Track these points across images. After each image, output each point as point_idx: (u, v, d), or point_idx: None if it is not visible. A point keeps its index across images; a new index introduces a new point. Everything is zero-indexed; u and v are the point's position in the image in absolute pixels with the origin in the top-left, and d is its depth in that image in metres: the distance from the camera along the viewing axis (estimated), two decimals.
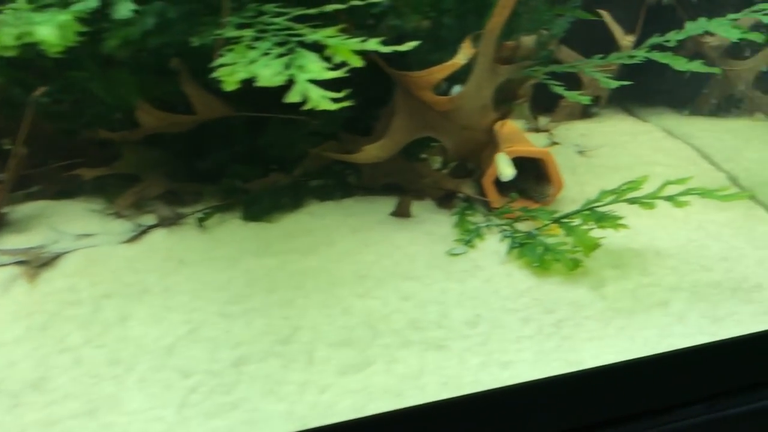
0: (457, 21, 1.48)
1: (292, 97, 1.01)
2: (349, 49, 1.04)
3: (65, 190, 1.60)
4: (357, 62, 1.03)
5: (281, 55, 1.06)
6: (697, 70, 1.54)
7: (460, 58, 1.32)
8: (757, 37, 1.54)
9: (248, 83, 1.08)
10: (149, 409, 1.06)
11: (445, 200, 1.65)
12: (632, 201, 1.41)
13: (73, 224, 1.51)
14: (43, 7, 1.11)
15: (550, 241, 1.44)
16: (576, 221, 1.43)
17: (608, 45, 2.24)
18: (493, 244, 1.50)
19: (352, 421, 1.09)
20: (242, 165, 1.54)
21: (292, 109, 1.40)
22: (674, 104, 2.59)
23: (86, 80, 1.38)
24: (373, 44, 1.05)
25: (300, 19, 1.22)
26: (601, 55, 1.75)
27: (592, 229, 1.41)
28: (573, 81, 1.72)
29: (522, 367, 1.20)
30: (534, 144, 1.81)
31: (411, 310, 1.29)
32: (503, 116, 1.64)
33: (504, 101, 1.69)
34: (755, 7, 1.65)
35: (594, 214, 1.40)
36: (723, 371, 1.28)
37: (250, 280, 1.34)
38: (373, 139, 1.47)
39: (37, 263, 1.33)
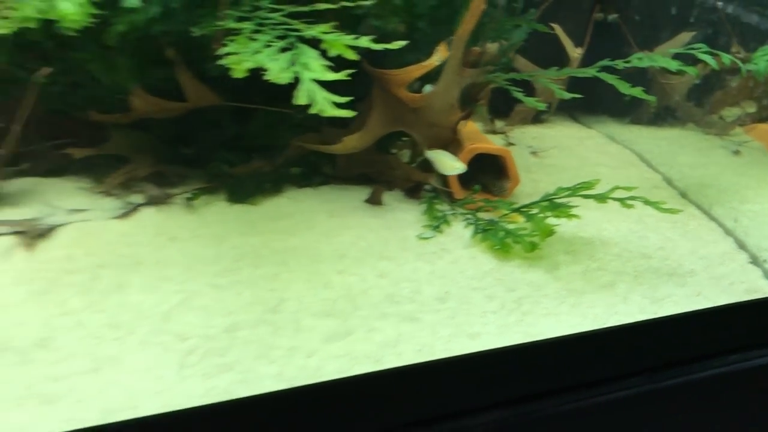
0: (430, 26, 1.60)
1: (300, 99, 1.11)
2: (344, 44, 1.15)
3: (54, 168, 1.66)
4: (352, 55, 1.14)
5: (284, 50, 1.17)
6: (638, 96, 1.70)
7: (435, 59, 1.45)
8: (692, 71, 1.74)
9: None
10: (150, 368, 1.13)
11: (412, 191, 1.76)
12: (587, 196, 1.56)
13: (64, 200, 1.57)
14: None
15: (510, 227, 1.58)
16: (534, 210, 1.57)
17: (558, 56, 2.40)
18: (458, 230, 1.62)
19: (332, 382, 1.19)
20: (227, 151, 1.63)
21: (278, 100, 1.51)
22: (615, 113, 2.78)
23: (87, 62, 1.44)
24: (364, 41, 1.16)
25: (293, 16, 1.32)
26: (556, 67, 1.90)
27: (548, 217, 1.55)
28: (527, 88, 1.87)
29: (488, 338, 1.32)
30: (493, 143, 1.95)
31: (387, 286, 1.40)
32: (467, 116, 1.77)
33: (466, 103, 1.82)
34: (692, 45, 1.84)
35: (551, 204, 1.54)
36: (662, 346, 1.43)
37: (237, 256, 1.43)
38: (350, 132, 1.58)
39: (33, 234, 1.40)
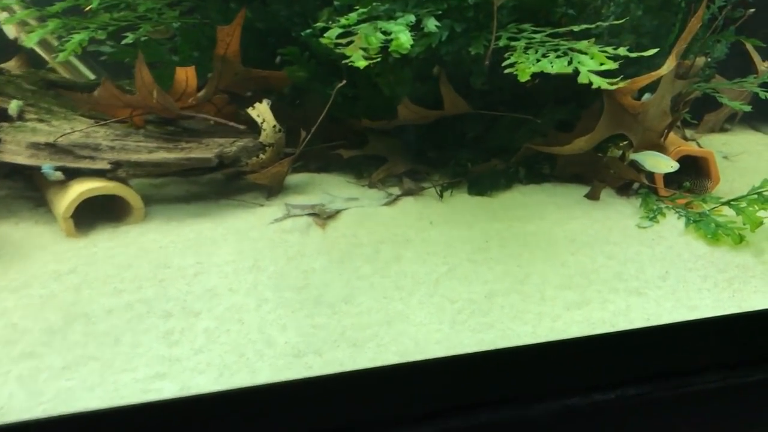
0: (651, 42, 1.79)
1: (582, 79, 1.39)
2: (605, 55, 1.39)
3: (322, 165, 1.98)
4: (612, 65, 1.37)
5: (558, 57, 1.41)
6: None
7: (664, 69, 1.63)
8: None
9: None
10: (430, 323, 1.36)
11: (622, 189, 1.93)
12: None
13: (338, 191, 1.87)
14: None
15: (719, 219, 1.73)
16: (743, 204, 1.72)
17: (747, 69, 2.51)
18: (671, 221, 1.77)
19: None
20: (468, 152, 1.88)
21: (517, 109, 1.75)
22: None
23: (377, 75, 1.73)
24: (622, 51, 1.40)
25: (550, 36, 1.56)
26: (738, 79, 2.06)
27: (757, 210, 1.69)
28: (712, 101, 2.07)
29: (705, 310, 1.47)
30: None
31: (614, 266, 1.57)
32: (674, 122, 1.93)
33: (673, 111, 1.99)
34: None
35: (760, 197, 1.68)
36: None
37: (486, 238, 1.66)
38: (576, 135, 1.80)
39: (324, 216, 1.69)
